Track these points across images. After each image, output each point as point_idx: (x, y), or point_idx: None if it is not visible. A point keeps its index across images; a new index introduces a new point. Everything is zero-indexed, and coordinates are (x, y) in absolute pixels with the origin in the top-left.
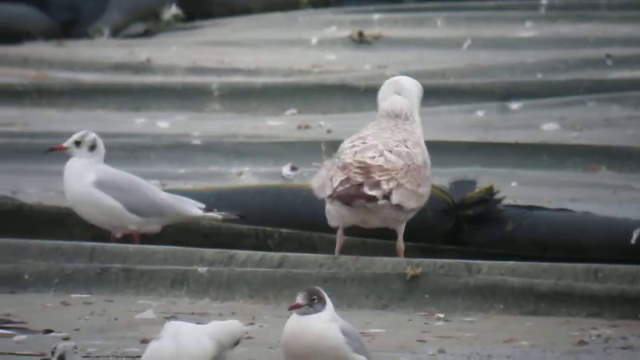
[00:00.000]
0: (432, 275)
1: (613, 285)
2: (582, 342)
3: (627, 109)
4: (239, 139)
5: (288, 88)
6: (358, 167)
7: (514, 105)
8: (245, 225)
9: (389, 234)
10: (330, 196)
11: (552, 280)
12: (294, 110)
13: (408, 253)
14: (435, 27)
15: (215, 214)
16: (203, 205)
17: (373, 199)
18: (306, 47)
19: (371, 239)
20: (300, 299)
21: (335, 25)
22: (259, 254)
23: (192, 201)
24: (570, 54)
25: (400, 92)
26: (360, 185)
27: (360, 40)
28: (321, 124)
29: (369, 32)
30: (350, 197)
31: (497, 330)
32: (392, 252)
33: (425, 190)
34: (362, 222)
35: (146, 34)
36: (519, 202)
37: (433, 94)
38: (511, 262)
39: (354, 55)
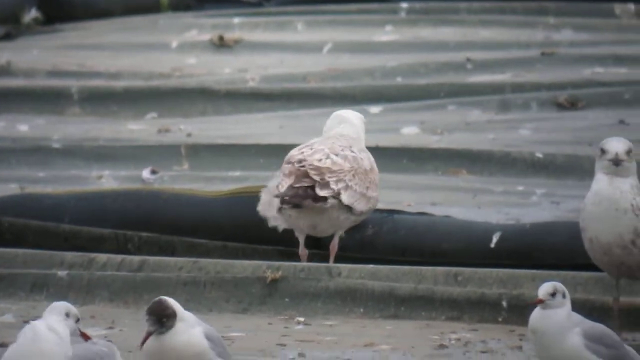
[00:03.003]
0: (292, 278)
1: (473, 289)
2: (441, 346)
3: (488, 112)
4: (100, 142)
5: (148, 92)
6: (309, 169)
7: (375, 109)
8: (105, 229)
9: (249, 237)
10: (280, 201)
11: (412, 284)
12: (154, 114)
13: (268, 257)
14: (296, 30)
15: None
16: None
17: (323, 199)
18: (167, 51)
19: (232, 242)
20: (149, 325)
21: (196, 28)
22: (118, 257)
23: None
24: (430, 58)
25: (345, 124)
26: (310, 187)
27: (221, 44)
28: (181, 128)
29: (229, 35)
30: (298, 198)
31: (357, 334)
32: (252, 255)
33: (374, 194)
34: (312, 228)
35: (6, 37)
36: (380, 206)
37: (294, 98)
38: (371, 266)
39: (215, 59)
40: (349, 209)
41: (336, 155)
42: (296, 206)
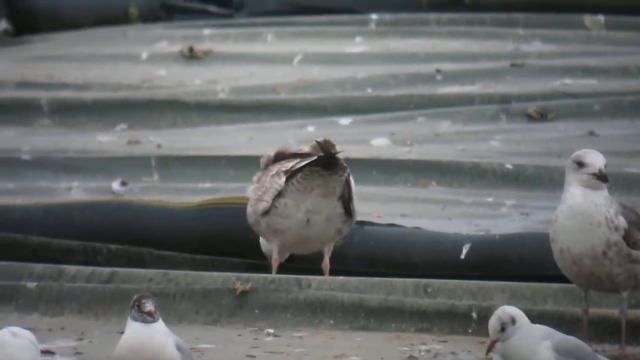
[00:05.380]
0: (262, 290)
1: (442, 300)
2: (411, 357)
3: (457, 124)
4: (69, 154)
5: (118, 103)
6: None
7: (345, 121)
8: (74, 241)
9: (219, 249)
10: (301, 167)
11: (382, 296)
12: (124, 126)
13: (237, 269)
14: (266, 42)
15: None
16: None
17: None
18: (136, 62)
19: (201, 254)
20: (151, 306)
21: (166, 40)
22: (88, 269)
23: None
24: (400, 69)
25: None
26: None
27: (191, 56)
28: (151, 139)
29: (199, 47)
30: (331, 152)
31: (327, 346)
32: (221, 267)
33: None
34: (306, 221)
35: None
36: None
37: (264, 110)
38: (341, 278)
39: (185, 70)
40: (346, 206)
41: None
42: (328, 166)
